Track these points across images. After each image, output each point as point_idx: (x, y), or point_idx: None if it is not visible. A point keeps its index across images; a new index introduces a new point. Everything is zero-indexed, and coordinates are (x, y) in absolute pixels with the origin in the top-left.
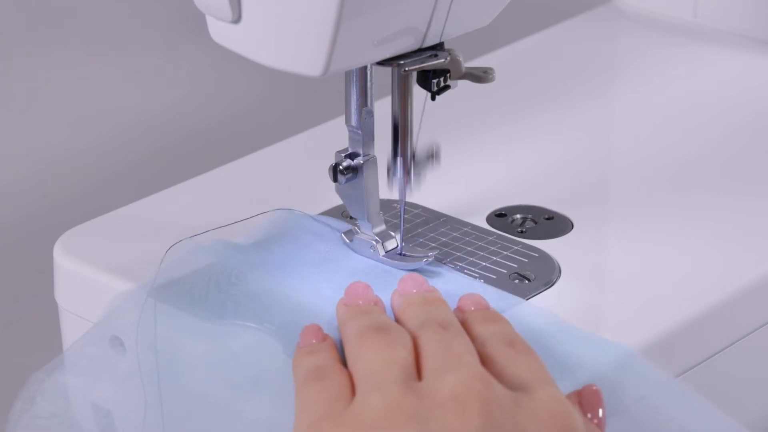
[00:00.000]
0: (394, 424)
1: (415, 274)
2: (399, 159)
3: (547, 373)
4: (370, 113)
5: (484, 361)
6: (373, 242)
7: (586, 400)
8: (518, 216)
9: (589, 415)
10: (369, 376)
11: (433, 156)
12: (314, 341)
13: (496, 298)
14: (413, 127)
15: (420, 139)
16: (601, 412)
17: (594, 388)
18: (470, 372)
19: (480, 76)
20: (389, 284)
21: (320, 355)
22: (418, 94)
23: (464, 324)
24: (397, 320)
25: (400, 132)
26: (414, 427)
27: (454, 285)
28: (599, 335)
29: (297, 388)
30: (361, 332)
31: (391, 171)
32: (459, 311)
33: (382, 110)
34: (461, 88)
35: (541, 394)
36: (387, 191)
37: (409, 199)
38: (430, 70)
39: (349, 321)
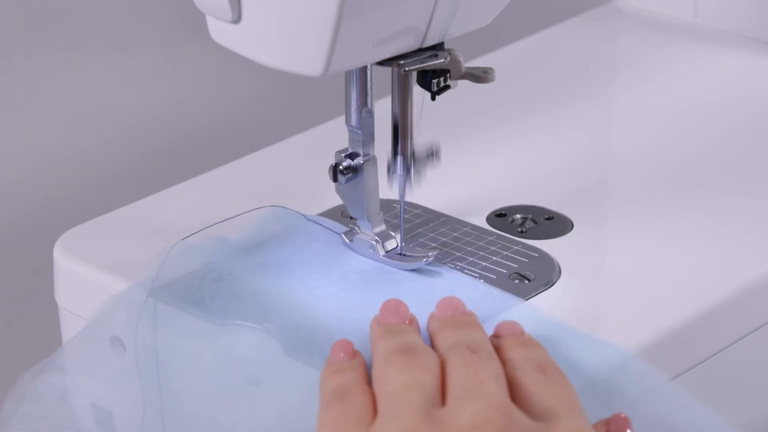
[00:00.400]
0: None
1: (453, 298)
2: (399, 158)
3: (577, 400)
4: (370, 113)
5: (513, 386)
6: (373, 242)
7: (614, 426)
8: (518, 216)
9: None
10: (390, 400)
11: (433, 154)
12: (343, 355)
13: (496, 298)
14: (413, 126)
15: (420, 138)
16: None
17: (623, 416)
18: (491, 402)
19: (480, 76)
20: (389, 284)
21: (346, 374)
22: (418, 94)
23: (498, 349)
24: (431, 342)
25: (400, 131)
26: None
27: (456, 285)
28: (596, 337)
29: (320, 406)
30: (388, 353)
31: (391, 169)
32: (494, 337)
33: (382, 110)
34: (461, 88)
35: (564, 425)
36: (387, 191)
37: (409, 198)
38: (430, 70)
39: (380, 340)
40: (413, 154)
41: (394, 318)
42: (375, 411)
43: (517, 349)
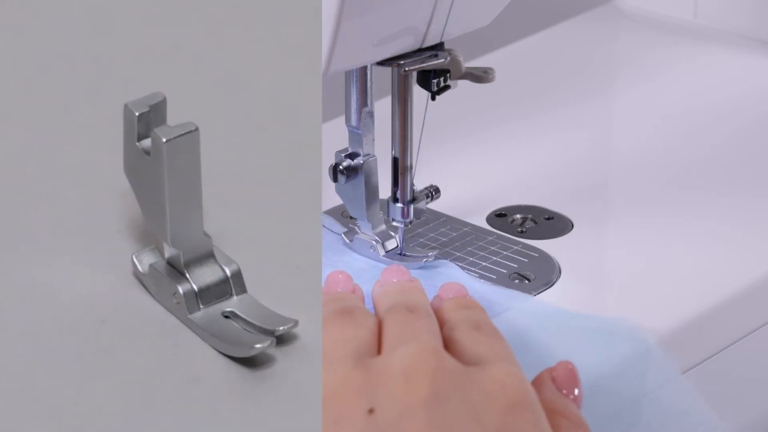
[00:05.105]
0: (342, 399)
1: (398, 266)
2: (399, 205)
3: (509, 352)
4: (371, 114)
5: (448, 343)
6: (373, 242)
7: (561, 376)
8: (518, 216)
9: (564, 391)
10: (325, 355)
11: (431, 195)
12: None
13: (499, 293)
14: (413, 130)
15: (421, 147)
16: (577, 391)
17: (569, 366)
18: (422, 346)
19: (480, 76)
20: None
21: None
22: (418, 94)
23: (438, 311)
24: (374, 308)
25: (398, 132)
26: (362, 400)
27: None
28: (614, 323)
29: None
30: (328, 316)
31: (390, 214)
32: (437, 298)
33: (382, 110)
34: (461, 88)
35: (495, 368)
36: (386, 191)
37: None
38: (430, 70)
39: (322, 307)
40: (413, 194)
41: (340, 288)
42: None
43: (456, 311)
